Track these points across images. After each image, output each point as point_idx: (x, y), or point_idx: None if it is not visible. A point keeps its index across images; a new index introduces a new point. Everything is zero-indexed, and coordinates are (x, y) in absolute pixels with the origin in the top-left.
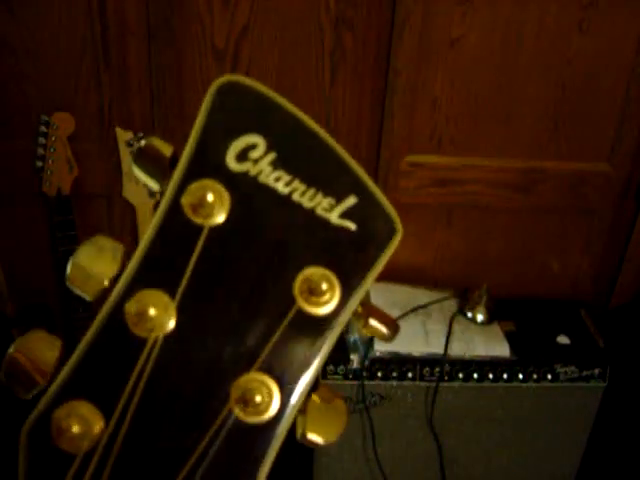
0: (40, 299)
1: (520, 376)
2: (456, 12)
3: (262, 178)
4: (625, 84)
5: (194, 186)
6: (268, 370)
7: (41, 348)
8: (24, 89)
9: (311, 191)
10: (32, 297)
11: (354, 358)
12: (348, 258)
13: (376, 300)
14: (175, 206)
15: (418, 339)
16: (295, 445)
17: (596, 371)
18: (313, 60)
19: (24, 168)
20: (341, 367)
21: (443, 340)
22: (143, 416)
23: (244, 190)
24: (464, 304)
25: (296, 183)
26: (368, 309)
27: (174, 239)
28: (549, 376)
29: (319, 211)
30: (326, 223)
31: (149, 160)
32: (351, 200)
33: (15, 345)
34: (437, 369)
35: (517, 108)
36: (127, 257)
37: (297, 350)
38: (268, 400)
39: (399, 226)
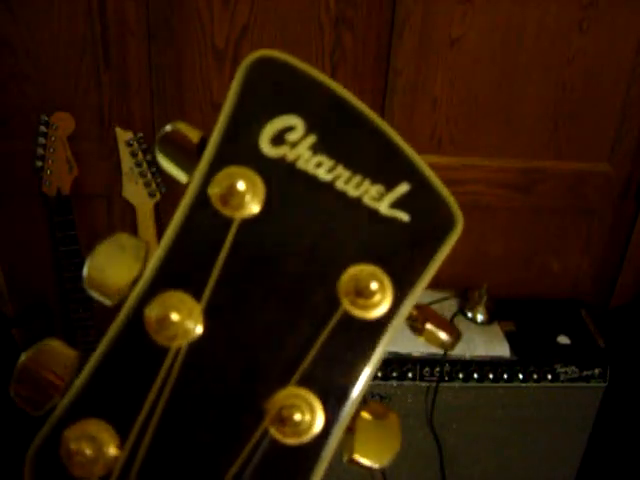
0: (40, 299)
1: (520, 376)
2: (456, 12)
3: (301, 164)
4: (625, 84)
5: (223, 174)
6: (309, 383)
7: (54, 360)
8: (24, 89)
9: (357, 178)
10: (32, 297)
11: None
12: (401, 254)
13: None
14: (202, 197)
15: (418, 339)
16: None
17: (596, 371)
18: (313, 60)
19: (24, 168)
20: None
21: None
22: (164, 437)
23: (280, 178)
24: (464, 304)
25: (340, 169)
26: (424, 312)
27: (200, 234)
28: (549, 376)
29: (366, 200)
30: (375, 214)
31: (174, 147)
32: (403, 187)
33: (26, 356)
34: (437, 369)
35: (517, 108)
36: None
37: (343, 360)
38: (310, 418)
39: (459, 217)
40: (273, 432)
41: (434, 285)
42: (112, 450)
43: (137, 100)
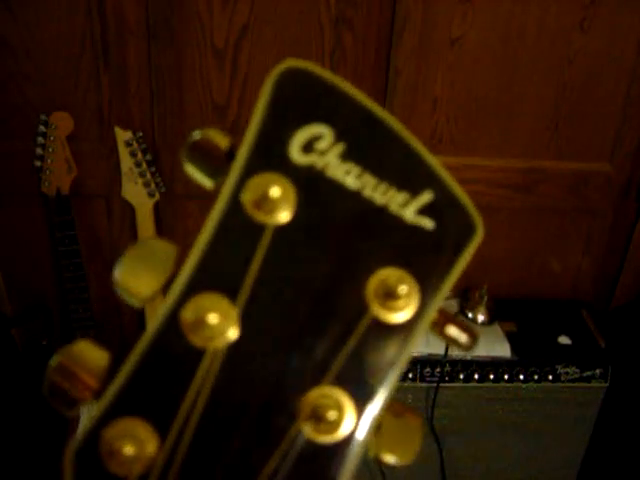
0: (39, 299)
1: (521, 377)
2: (456, 12)
3: (330, 171)
4: (626, 84)
5: (256, 180)
6: (341, 383)
7: (86, 360)
8: (23, 89)
9: (383, 186)
10: (31, 297)
11: None
12: (426, 259)
13: None
14: (235, 203)
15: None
16: None
17: (597, 371)
18: (313, 60)
19: (23, 168)
20: None
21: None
22: (203, 435)
23: (310, 184)
24: (465, 304)
25: (367, 177)
26: (445, 315)
27: (234, 239)
28: (550, 376)
29: (393, 207)
30: (400, 221)
31: (203, 154)
32: (427, 196)
33: (58, 357)
34: (438, 370)
35: (518, 108)
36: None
37: (373, 361)
38: (341, 417)
39: (480, 223)
40: (307, 430)
41: None
42: (152, 448)
43: (137, 100)
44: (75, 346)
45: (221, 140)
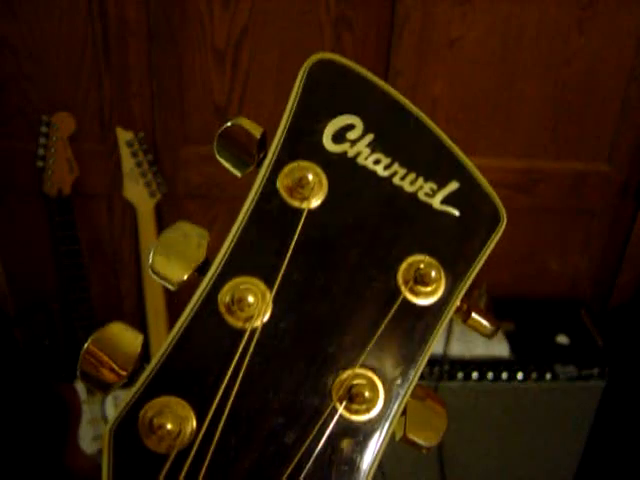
0: (40, 299)
1: (519, 376)
2: (456, 12)
3: (360, 160)
4: (624, 84)
5: (291, 167)
6: (373, 365)
7: (120, 342)
8: (25, 89)
9: (412, 175)
10: (32, 297)
11: None
12: (453, 246)
13: None
14: (270, 188)
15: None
16: None
17: (595, 370)
18: None
19: (25, 168)
20: None
21: (442, 340)
22: (240, 413)
23: (342, 172)
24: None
25: (396, 166)
26: (469, 303)
27: (269, 223)
28: (548, 376)
29: (421, 196)
30: (429, 208)
31: (235, 142)
32: (453, 185)
33: (91, 339)
34: (436, 369)
35: (516, 108)
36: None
37: (403, 344)
38: (373, 397)
39: (504, 213)
40: (341, 409)
41: None
42: (190, 426)
43: (138, 100)
44: (108, 328)
45: (254, 129)
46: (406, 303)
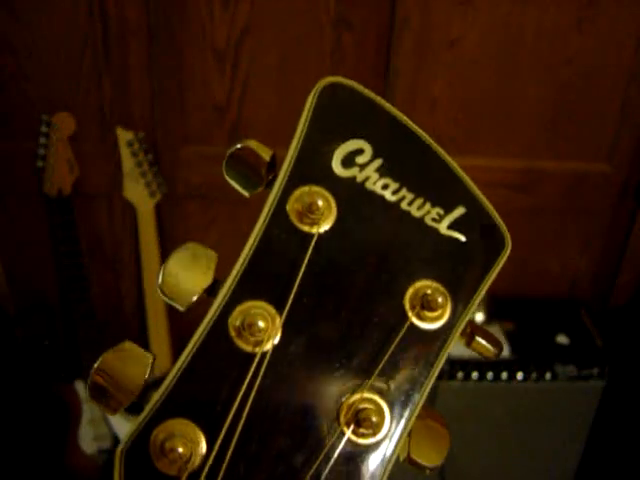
0: (40, 299)
1: (519, 376)
2: (456, 12)
3: (369, 185)
4: (624, 84)
5: (301, 192)
6: (379, 389)
7: (129, 363)
8: (25, 89)
9: (419, 200)
10: (32, 297)
11: None
12: (459, 271)
13: None
14: (280, 213)
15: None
16: None
17: (595, 370)
18: (313, 60)
19: (25, 168)
20: None
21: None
22: (249, 436)
23: (351, 197)
24: None
25: (404, 191)
26: (473, 326)
27: (279, 247)
28: (548, 375)
29: (428, 221)
30: (435, 234)
31: (244, 164)
32: (460, 210)
33: (100, 361)
34: None
35: (516, 108)
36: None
37: (409, 368)
38: (380, 421)
39: (508, 239)
40: (348, 433)
41: None
42: (200, 449)
43: (138, 100)
44: (117, 348)
45: (263, 152)
46: (413, 328)
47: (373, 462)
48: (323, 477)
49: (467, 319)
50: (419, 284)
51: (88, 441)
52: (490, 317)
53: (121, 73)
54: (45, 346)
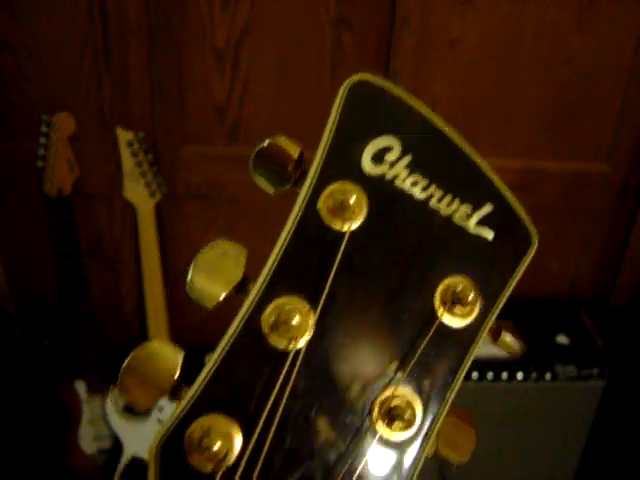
0: (40, 299)
1: (519, 376)
2: (455, 12)
3: (398, 182)
4: (624, 84)
5: (332, 189)
6: (411, 384)
7: (160, 359)
8: (25, 89)
9: (448, 197)
10: (32, 297)
11: None
12: (487, 268)
13: None
14: (312, 210)
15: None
16: None
17: (595, 370)
18: (313, 60)
19: (25, 168)
20: None
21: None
22: (284, 433)
23: (381, 194)
24: None
25: (433, 188)
26: (499, 323)
27: (312, 244)
28: (548, 375)
29: (457, 218)
30: (464, 231)
31: (272, 161)
32: (488, 208)
33: (131, 357)
34: None
35: (516, 108)
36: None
37: (440, 365)
38: (412, 416)
39: (535, 237)
40: (381, 429)
41: None
42: (236, 446)
43: (138, 100)
44: (147, 345)
45: (291, 148)
46: (443, 325)
47: (405, 457)
48: (357, 472)
49: (495, 315)
50: (448, 281)
51: (88, 441)
52: None
53: (121, 73)
54: (45, 346)
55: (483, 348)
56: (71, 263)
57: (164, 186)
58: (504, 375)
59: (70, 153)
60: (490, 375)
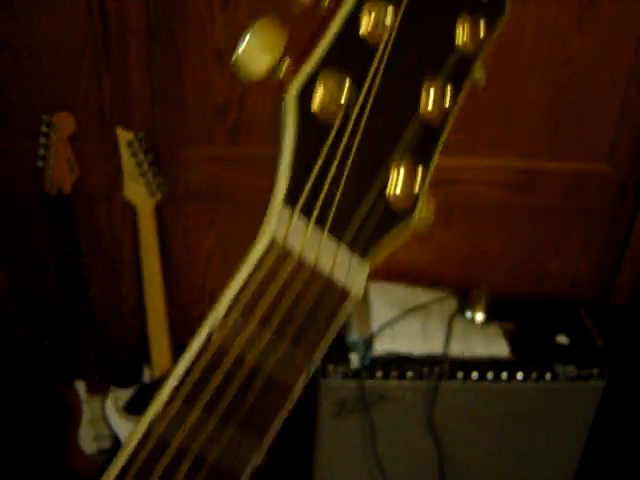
0: (40, 299)
1: (519, 375)
2: None
3: None
4: (624, 84)
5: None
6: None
7: (275, 29)
8: (25, 89)
9: None
10: (32, 297)
11: (354, 358)
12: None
13: (375, 300)
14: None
15: (417, 339)
16: (295, 444)
17: (595, 370)
18: None
19: (25, 168)
20: (341, 367)
21: (442, 340)
22: (382, 89)
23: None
24: (463, 304)
25: None
26: None
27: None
28: (548, 375)
29: None
30: None
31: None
32: None
33: (256, 24)
34: (437, 369)
35: (516, 108)
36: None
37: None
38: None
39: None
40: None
41: (433, 284)
42: (351, 98)
43: (138, 100)
44: (266, 18)
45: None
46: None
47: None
48: None
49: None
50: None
51: (88, 441)
52: (490, 317)
53: (121, 73)
54: (45, 346)
55: (483, 347)
56: (71, 263)
57: (164, 186)
58: (504, 375)
59: (70, 153)
60: (490, 375)
